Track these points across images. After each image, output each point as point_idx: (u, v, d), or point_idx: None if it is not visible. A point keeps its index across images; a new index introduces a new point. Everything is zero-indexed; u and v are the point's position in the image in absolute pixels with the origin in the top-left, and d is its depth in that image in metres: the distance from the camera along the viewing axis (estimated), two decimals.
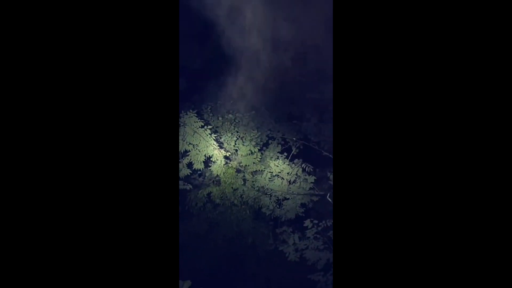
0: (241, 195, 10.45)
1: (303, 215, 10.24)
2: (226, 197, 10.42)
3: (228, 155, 10.45)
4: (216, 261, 10.43)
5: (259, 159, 10.41)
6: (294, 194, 10.25)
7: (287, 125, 10.58)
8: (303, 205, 10.30)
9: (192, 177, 10.53)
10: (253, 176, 10.44)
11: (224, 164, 10.36)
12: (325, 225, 9.83)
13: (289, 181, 10.28)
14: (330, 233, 9.92)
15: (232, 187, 10.37)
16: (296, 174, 10.28)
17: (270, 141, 10.57)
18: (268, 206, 10.34)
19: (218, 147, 10.36)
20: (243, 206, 10.47)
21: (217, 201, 10.42)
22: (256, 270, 10.61)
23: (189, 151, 10.21)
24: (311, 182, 10.21)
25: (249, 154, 10.39)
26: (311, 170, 10.22)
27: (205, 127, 10.22)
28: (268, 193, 10.33)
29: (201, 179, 10.67)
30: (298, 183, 10.29)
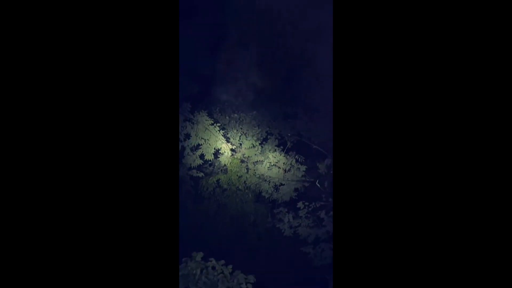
0: (245, 181, 11.76)
1: (296, 198, 11.60)
2: (232, 183, 11.76)
3: (233, 148, 11.80)
4: (224, 236, 11.59)
5: (260, 151, 11.69)
6: (289, 180, 11.56)
7: (283, 123, 11.80)
8: (296, 189, 11.62)
9: (203, 166, 11.81)
10: (254, 165, 11.77)
11: (230, 156, 11.75)
12: (314, 206, 11.25)
13: (285, 170, 11.61)
14: (319, 213, 11.30)
15: (237, 175, 11.70)
16: (291, 164, 11.60)
17: (268, 137, 11.84)
18: (267, 190, 11.66)
19: (226, 141, 11.69)
20: (246, 191, 11.79)
21: (225, 186, 11.73)
22: (257, 243, 11.77)
23: (201, 144, 11.57)
24: (303, 171, 11.55)
25: (251, 147, 11.73)
26: (303, 160, 11.56)
27: (215, 124, 11.56)
28: (267, 180, 11.64)
29: (211, 168, 11.91)
30: (292, 172, 11.61)
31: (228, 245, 11.74)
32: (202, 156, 11.70)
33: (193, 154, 11.69)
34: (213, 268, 9.68)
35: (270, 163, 11.80)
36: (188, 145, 11.80)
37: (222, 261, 9.75)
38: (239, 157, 11.81)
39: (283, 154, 11.75)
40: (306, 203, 11.38)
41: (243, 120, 11.90)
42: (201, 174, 11.83)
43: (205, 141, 11.68)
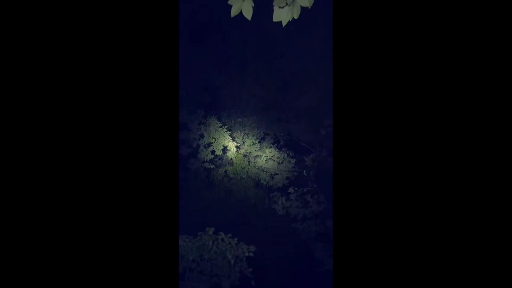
0: (247, 172, 13.22)
1: (288, 184, 12.99)
2: (237, 173, 13.24)
3: (238, 145, 13.27)
4: (230, 215, 12.86)
5: (259, 148, 13.16)
6: (282, 171, 13.04)
7: (277, 126, 13.21)
8: (287, 178, 13.07)
9: (214, 160, 13.25)
10: (254, 159, 13.18)
11: (235, 151, 13.23)
12: (302, 191, 12.65)
13: (278, 162, 13.08)
14: (306, 196, 12.63)
15: (240, 167, 13.22)
16: (283, 157, 13.08)
17: (266, 136, 13.25)
18: (265, 179, 13.15)
19: (232, 140, 13.20)
20: (248, 179, 13.24)
21: (231, 175, 13.25)
22: (257, 220, 13.09)
23: (212, 142, 13.12)
24: (293, 163, 13.02)
25: (252, 144, 13.19)
26: (293, 155, 13.02)
27: (223, 127, 13.07)
28: (264, 170, 13.14)
29: (220, 161, 13.34)
30: (284, 164, 13.06)
31: (234, 222, 12.68)
32: (213, 152, 13.12)
33: (206, 150, 13.14)
34: (222, 240, 11.34)
35: (267, 157, 13.12)
36: (202, 143, 13.16)
37: (229, 235, 11.31)
38: (242, 153, 13.19)
39: (277, 150, 13.10)
40: (296, 189, 12.67)
41: (245, 123, 13.18)
42: (212, 166, 13.14)
43: (215, 140, 13.13)
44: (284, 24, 3.23)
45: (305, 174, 12.98)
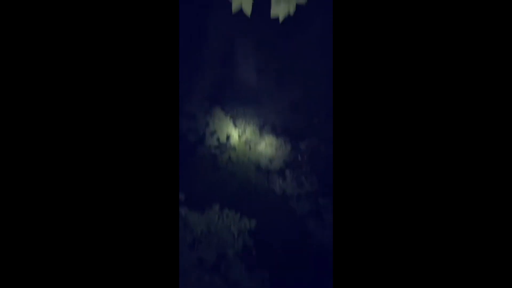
0: (248, 157, 13.80)
1: (284, 167, 13.69)
2: (239, 158, 13.80)
3: (240, 133, 13.99)
4: (234, 194, 13.34)
5: (258, 136, 13.83)
6: (279, 156, 13.77)
7: (275, 115, 13.94)
8: (284, 161, 13.76)
9: (219, 146, 13.85)
10: (255, 145, 13.84)
11: (238, 138, 13.92)
12: (297, 174, 13.45)
13: (276, 148, 13.79)
14: (300, 178, 13.41)
15: (242, 152, 13.83)
16: (280, 144, 13.79)
17: (265, 125, 13.95)
18: (264, 163, 13.77)
19: (234, 128, 13.98)
20: (249, 163, 13.77)
21: (234, 160, 13.76)
22: (257, 199, 13.55)
23: (217, 130, 13.85)
24: (289, 149, 13.75)
25: (253, 132, 13.88)
26: (289, 141, 13.75)
27: (227, 116, 13.85)
28: (264, 155, 13.83)
29: (224, 147, 13.93)
30: (281, 149, 13.78)
31: (237, 200, 13.23)
32: (218, 139, 13.85)
33: (212, 137, 13.82)
34: (227, 215, 12.44)
35: (266, 144, 13.83)
36: (208, 131, 13.90)
37: (233, 211, 12.51)
38: (244, 140, 13.95)
39: (275, 137, 13.86)
40: (291, 171, 13.56)
41: (247, 113, 13.89)
42: (217, 152, 13.78)
43: (220, 128, 13.88)
44: (281, 20, 3.24)
45: (300, 159, 13.83)
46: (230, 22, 13.99)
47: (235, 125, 14.15)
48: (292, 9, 3.26)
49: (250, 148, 13.99)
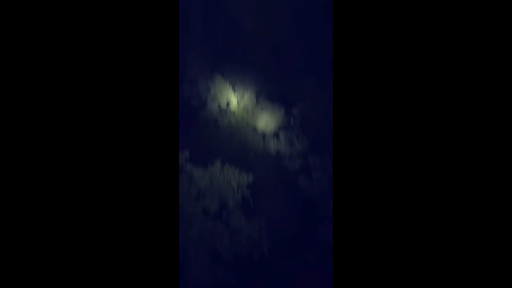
0: (246, 120, 15.03)
1: (278, 130, 14.91)
2: (238, 121, 15.06)
3: (239, 99, 15.20)
4: (234, 152, 14.50)
5: (255, 101, 15.04)
6: (273, 119, 15.01)
7: (270, 83, 15.12)
8: (278, 125, 15.00)
9: (219, 110, 15.08)
10: (252, 110, 15.09)
11: (237, 104, 15.15)
12: (289, 135, 14.71)
13: (270, 113, 15.03)
14: (292, 139, 14.62)
15: (241, 116, 15.06)
16: (274, 109, 15.05)
17: (261, 92, 15.10)
18: (260, 125, 14.99)
19: (234, 94, 15.16)
20: (247, 126, 15.00)
21: (234, 123, 15.06)
22: (255, 158, 14.68)
23: (218, 96, 15.03)
24: (282, 113, 15.01)
25: (250, 98, 15.11)
26: (282, 106, 14.96)
27: (227, 83, 14.98)
28: (260, 119, 15.06)
29: (225, 111, 15.20)
30: (275, 114, 15.04)
31: (237, 158, 14.51)
32: (219, 105, 15.06)
33: (214, 103, 15.04)
34: (227, 170, 13.65)
35: (262, 109, 15.12)
36: (210, 97, 15.02)
37: (233, 166, 13.75)
38: (242, 105, 15.19)
39: (270, 103, 15.12)
40: (284, 133, 14.85)
41: (245, 81, 15.03)
42: (219, 116, 15.05)
43: (221, 94, 15.07)
44: None
45: (292, 122, 15.07)
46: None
47: (235, 92, 15.29)
48: None
49: (247, 112, 15.24)
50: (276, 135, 15.19)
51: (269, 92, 15.40)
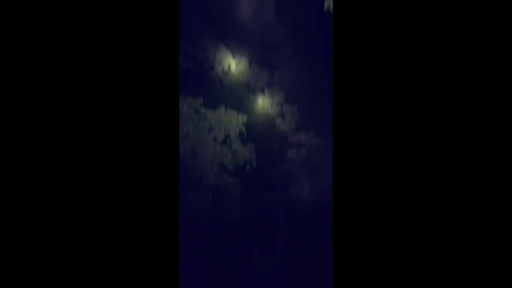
0: (243, 80, 19.31)
1: (266, 87, 19.69)
2: (236, 81, 19.02)
3: (237, 63, 19.31)
4: (234, 100, 19.03)
5: (250, 66, 19.65)
6: (264, 78, 19.89)
7: (265, 50, 19.62)
8: (264, 83, 19.96)
9: (222, 73, 19.00)
10: (247, 72, 19.15)
11: (235, 67, 19.59)
12: (272, 90, 19.66)
13: (262, 74, 19.71)
14: (280, 93, 19.41)
15: (238, 77, 19.60)
16: (267, 74, 19.73)
17: (253, 60, 19.84)
18: (253, 84, 19.76)
19: (233, 59, 19.12)
20: (243, 84, 19.05)
21: (233, 83, 19.24)
22: (247, 104, 19.42)
23: (219, 60, 19.41)
24: (267, 74, 19.99)
25: (245, 63, 19.84)
26: (272, 69, 19.61)
27: (227, 49, 19.47)
28: (253, 79, 19.67)
29: (225, 74, 18.88)
30: (266, 74, 19.73)
31: (235, 103, 18.45)
32: (222, 68, 19.03)
33: (219, 66, 19.07)
34: (229, 112, 18.34)
35: (253, 71, 19.20)
36: (213, 62, 18.94)
37: (233, 110, 18.27)
38: (240, 68, 19.04)
39: (258, 67, 19.43)
40: (268, 89, 19.51)
41: (243, 47, 18.98)
42: (223, 75, 18.77)
43: (222, 58, 19.06)
44: None
45: (273, 82, 20.21)
46: None
47: (234, 56, 19.21)
48: None
49: (243, 74, 19.42)
50: (262, 90, 19.46)
51: (258, 59, 19.57)
